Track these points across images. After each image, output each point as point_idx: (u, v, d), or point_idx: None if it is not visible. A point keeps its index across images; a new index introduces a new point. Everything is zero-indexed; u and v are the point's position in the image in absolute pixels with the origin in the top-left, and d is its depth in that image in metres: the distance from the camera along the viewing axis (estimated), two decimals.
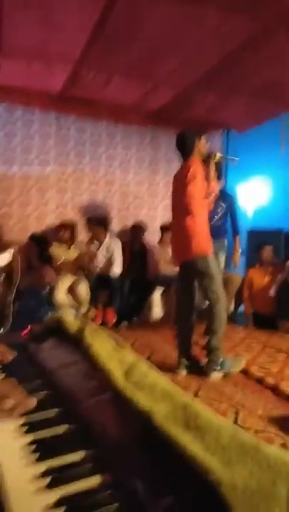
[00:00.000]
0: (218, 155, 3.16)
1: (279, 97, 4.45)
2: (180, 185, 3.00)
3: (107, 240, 4.79)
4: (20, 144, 4.99)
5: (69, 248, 4.95)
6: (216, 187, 3.08)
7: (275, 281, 4.70)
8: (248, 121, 5.15)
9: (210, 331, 2.93)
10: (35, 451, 0.71)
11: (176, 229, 3.11)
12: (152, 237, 5.43)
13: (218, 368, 2.82)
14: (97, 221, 4.84)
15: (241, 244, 4.74)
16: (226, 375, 2.82)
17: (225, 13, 3.00)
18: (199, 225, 2.90)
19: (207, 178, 3.00)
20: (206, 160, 3.08)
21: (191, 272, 2.97)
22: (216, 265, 2.98)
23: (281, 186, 6.21)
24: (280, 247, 5.38)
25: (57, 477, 0.63)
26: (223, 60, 3.68)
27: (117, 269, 4.72)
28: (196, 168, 2.95)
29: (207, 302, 2.99)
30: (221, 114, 4.69)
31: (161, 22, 3.15)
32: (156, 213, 5.70)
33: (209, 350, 2.87)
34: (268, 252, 4.79)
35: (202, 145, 3.05)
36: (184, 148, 3.05)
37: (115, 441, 0.71)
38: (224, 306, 2.93)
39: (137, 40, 3.41)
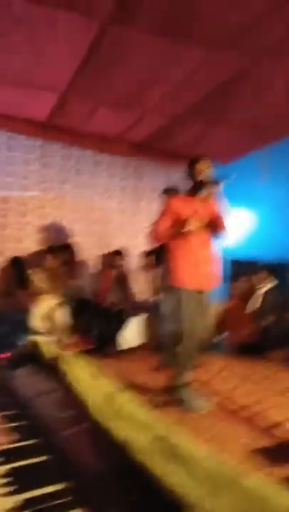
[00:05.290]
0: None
1: (262, 130, 4.60)
2: None
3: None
4: (5, 168, 5.01)
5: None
6: (206, 210, 3.01)
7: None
8: (231, 153, 5.29)
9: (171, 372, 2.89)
10: (12, 482, 0.69)
11: None
12: (133, 264, 5.45)
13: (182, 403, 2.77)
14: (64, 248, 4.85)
15: (224, 272, 4.82)
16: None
17: (210, 50, 3.13)
18: (175, 258, 2.93)
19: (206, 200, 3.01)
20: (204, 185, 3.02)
21: None
22: (188, 303, 2.84)
23: (260, 218, 6.41)
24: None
25: (37, 510, 0.62)
26: (208, 93, 3.81)
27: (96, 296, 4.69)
28: (169, 202, 2.99)
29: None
30: (205, 145, 4.82)
31: (148, 56, 3.26)
32: (138, 241, 5.73)
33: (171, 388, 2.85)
34: (237, 288, 5.07)
35: (198, 172, 2.99)
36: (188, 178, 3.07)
37: (94, 473, 0.70)
38: (184, 347, 2.82)
39: (123, 72, 3.52)
